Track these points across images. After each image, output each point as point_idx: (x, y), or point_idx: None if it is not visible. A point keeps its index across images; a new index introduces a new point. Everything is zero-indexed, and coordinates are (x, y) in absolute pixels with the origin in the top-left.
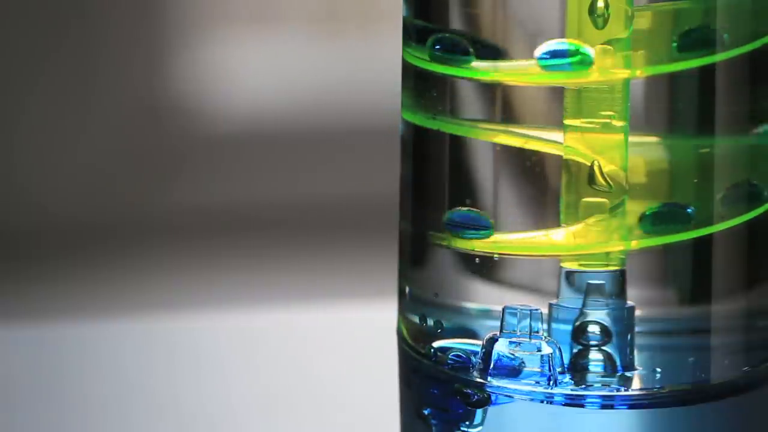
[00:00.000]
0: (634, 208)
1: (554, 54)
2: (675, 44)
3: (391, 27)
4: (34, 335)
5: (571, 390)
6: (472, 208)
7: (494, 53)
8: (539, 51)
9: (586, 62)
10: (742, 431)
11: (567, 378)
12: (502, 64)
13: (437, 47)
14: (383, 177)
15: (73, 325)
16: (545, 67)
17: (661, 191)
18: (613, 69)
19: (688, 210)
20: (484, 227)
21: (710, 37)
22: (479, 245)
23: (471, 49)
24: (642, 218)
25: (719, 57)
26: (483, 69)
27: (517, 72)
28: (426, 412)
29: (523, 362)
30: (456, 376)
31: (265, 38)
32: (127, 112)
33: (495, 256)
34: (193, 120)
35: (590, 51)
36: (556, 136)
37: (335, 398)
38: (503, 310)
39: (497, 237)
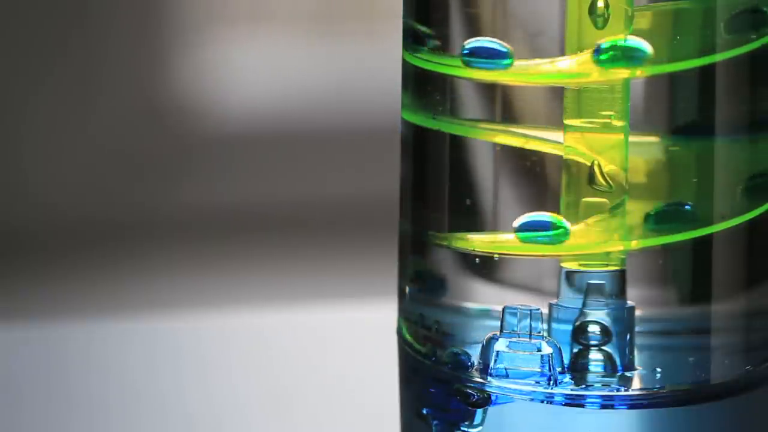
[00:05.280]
0: (636, 208)
1: (612, 48)
2: (723, 26)
3: (391, 27)
4: (38, 335)
5: (571, 390)
6: (543, 212)
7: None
8: (601, 44)
9: (639, 56)
10: (742, 431)
11: (567, 378)
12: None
13: (466, 52)
14: (383, 177)
15: (76, 325)
16: (599, 62)
17: (662, 191)
18: (613, 69)
19: (688, 207)
20: (558, 228)
21: (760, 19)
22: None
23: (510, 50)
24: (646, 218)
25: (719, 57)
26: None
27: (517, 72)
28: (426, 412)
29: (523, 362)
30: (456, 376)
31: (265, 38)
32: (128, 112)
33: (495, 256)
34: (194, 120)
35: (645, 46)
36: (556, 136)
37: (335, 398)
38: (503, 310)
39: (498, 237)
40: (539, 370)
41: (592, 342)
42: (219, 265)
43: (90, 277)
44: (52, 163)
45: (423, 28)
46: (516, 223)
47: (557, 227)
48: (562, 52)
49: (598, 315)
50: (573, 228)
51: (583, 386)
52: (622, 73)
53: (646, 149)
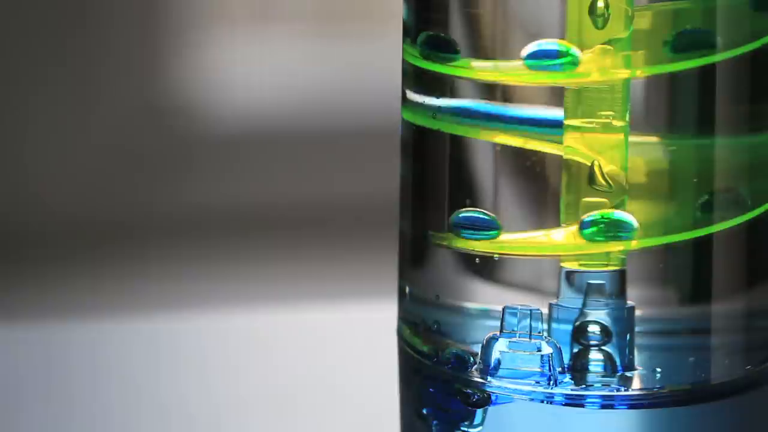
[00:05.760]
0: (636, 208)
1: (541, 55)
2: (669, 45)
3: (391, 27)
4: (38, 335)
5: (571, 390)
6: (477, 209)
7: (486, 52)
8: (525, 51)
9: (574, 63)
10: (742, 431)
11: (567, 378)
12: (502, 64)
13: (425, 45)
14: (383, 177)
15: (76, 324)
16: (531, 67)
17: (662, 191)
18: (613, 69)
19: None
20: (491, 228)
21: (706, 39)
22: (485, 246)
23: (457, 48)
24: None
25: (719, 57)
26: (483, 69)
27: (518, 72)
28: (426, 412)
29: (523, 362)
30: (456, 376)
31: (265, 38)
32: (128, 112)
33: (495, 256)
34: (193, 120)
35: (577, 52)
36: (556, 136)
37: (335, 398)
38: (503, 310)
39: (498, 237)
40: (539, 370)
41: (592, 342)
42: (219, 265)
43: (90, 277)
44: (52, 163)
45: (423, 28)
46: (452, 218)
47: (492, 227)
48: None
49: (598, 315)
50: (571, 228)
51: (583, 386)
52: (622, 73)
53: (646, 149)
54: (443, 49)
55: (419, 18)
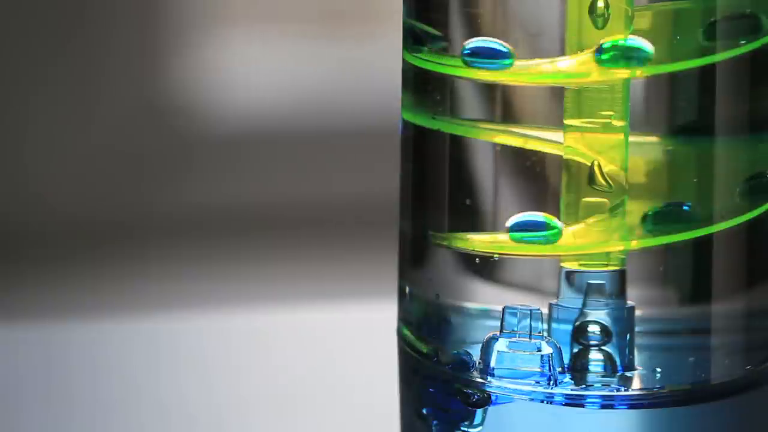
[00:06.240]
0: (636, 208)
1: (613, 48)
2: (722, 26)
3: (391, 27)
4: (38, 335)
5: (571, 390)
6: (536, 212)
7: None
8: (602, 44)
9: (640, 56)
10: (742, 431)
11: (567, 378)
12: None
13: (467, 52)
14: (383, 177)
15: (76, 324)
16: (600, 62)
17: (662, 191)
18: (613, 69)
19: (686, 207)
20: (551, 228)
21: (750, 24)
22: (485, 246)
23: (423, 40)
24: (644, 218)
25: (719, 57)
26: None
27: (518, 72)
28: (426, 412)
29: (523, 362)
30: (456, 376)
31: (265, 38)
32: (128, 112)
33: (495, 256)
34: (193, 120)
35: (646, 45)
36: (556, 136)
37: (335, 398)
38: (503, 310)
39: (497, 237)
40: (539, 370)
41: (592, 342)
42: (219, 265)
43: (90, 277)
44: (52, 163)
45: (423, 28)
46: (511, 223)
47: (551, 227)
48: (562, 52)
49: (598, 315)
50: (571, 228)
51: (583, 386)
52: (622, 73)
53: (646, 149)
54: (417, 41)
55: (419, 18)
